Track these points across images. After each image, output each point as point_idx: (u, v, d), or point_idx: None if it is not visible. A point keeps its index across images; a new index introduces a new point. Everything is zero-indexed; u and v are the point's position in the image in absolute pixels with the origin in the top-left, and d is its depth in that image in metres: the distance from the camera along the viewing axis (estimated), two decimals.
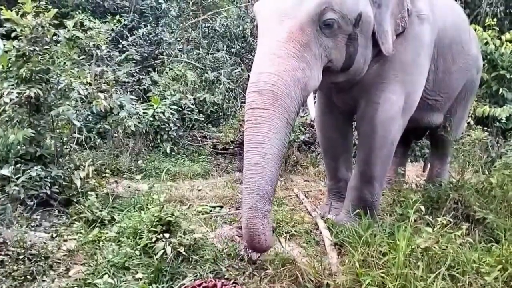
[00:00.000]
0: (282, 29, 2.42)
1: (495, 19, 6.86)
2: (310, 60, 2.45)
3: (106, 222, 3.24)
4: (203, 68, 7.30)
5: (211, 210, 3.73)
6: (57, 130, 3.70)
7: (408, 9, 2.87)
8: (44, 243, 2.74)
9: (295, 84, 2.39)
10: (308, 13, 2.42)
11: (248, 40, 7.80)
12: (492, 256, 2.50)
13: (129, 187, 4.36)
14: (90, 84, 3.94)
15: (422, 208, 2.75)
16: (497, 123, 5.82)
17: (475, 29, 5.95)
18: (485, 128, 4.75)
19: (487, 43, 6.20)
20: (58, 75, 3.61)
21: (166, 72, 6.85)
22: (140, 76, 7.01)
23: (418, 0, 3.01)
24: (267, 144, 2.32)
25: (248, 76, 7.30)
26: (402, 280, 2.23)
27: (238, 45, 7.92)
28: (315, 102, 3.52)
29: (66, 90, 3.68)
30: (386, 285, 2.25)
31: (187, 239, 2.68)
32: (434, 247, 2.36)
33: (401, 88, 2.98)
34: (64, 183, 3.49)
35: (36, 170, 3.25)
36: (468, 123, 5.41)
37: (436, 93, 3.56)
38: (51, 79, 3.51)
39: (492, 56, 6.21)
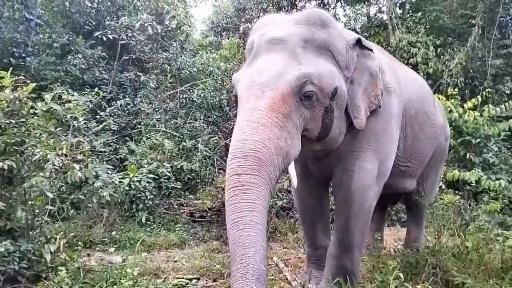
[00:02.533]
0: (264, 99, 2.45)
1: (456, 89, 7.32)
2: (291, 129, 2.49)
3: None
4: (181, 136, 7.40)
5: (187, 283, 3.60)
6: (29, 202, 3.61)
7: (381, 89, 3.02)
8: None
9: (278, 153, 2.38)
10: (290, 85, 2.49)
11: (225, 109, 8.03)
12: None
13: (101, 260, 4.20)
14: (66, 155, 3.90)
15: (401, 275, 2.74)
16: (467, 186, 5.99)
17: (439, 98, 6.32)
18: (457, 192, 4.89)
19: (451, 111, 6.57)
20: (33, 147, 3.59)
21: (144, 141, 6.90)
22: (117, 146, 7.03)
23: (385, 75, 3.20)
24: (257, 212, 2.18)
25: (225, 143, 7.44)
26: None
27: (215, 114, 8.13)
28: None
29: (41, 161, 3.65)
30: None
31: None
32: None
33: (374, 155, 3.08)
34: (33, 257, 3.34)
35: (5, 244, 3.12)
36: (440, 187, 5.56)
37: (407, 160, 3.70)
38: (26, 151, 3.49)
39: (457, 123, 6.55)
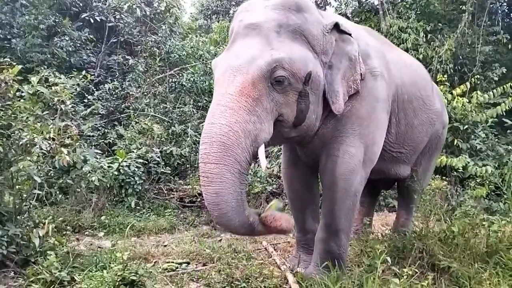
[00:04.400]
0: (235, 84, 2.51)
1: (445, 75, 7.36)
2: (261, 113, 2.54)
3: (66, 283, 3.06)
4: (170, 121, 7.35)
5: (177, 267, 3.61)
6: (17, 187, 3.57)
7: (361, 74, 3.02)
8: None
9: (246, 136, 2.45)
10: (260, 70, 2.53)
11: None
12: None
13: (91, 244, 4.20)
14: (53, 139, 3.85)
15: (389, 259, 2.78)
16: (455, 172, 6.07)
17: None
18: (444, 178, 4.96)
19: None
20: (20, 131, 3.53)
21: (132, 126, 6.84)
22: (106, 130, 6.96)
23: (371, 59, 3.19)
24: (223, 204, 2.37)
25: None
26: None
27: (205, 99, 8.08)
28: (280, 154, 3.60)
29: (28, 145, 3.60)
30: None
31: None
32: None
33: (359, 141, 3.08)
34: (21, 242, 3.32)
35: None
36: None
37: (400, 146, 3.70)
38: (13, 134, 3.43)
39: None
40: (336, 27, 2.94)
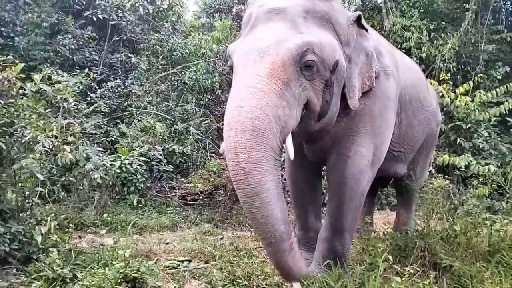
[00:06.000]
0: (263, 65, 2.36)
1: (448, 74, 7.33)
2: (290, 99, 2.41)
3: (68, 280, 3.06)
4: (172, 119, 7.36)
5: (179, 265, 3.62)
6: (19, 184, 3.58)
7: (376, 71, 3.00)
8: None
9: (276, 121, 2.32)
10: (291, 52, 2.41)
11: (217, 92, 7.98)
12: None
13: (93, 242, 4.21)
14: (56, 137, 3.87)
15: (390, 257, 2.78)
16: (457, 171, 6.06)
17: (431, 84, 6.33)
18: (446, 176, 4.94)
19: (442, 96, 6.59)
20: (23, 128, 3.54)
21: (135, 124, 6.86)
22: (108, 128, 6.98)
23: (384, 57, 3.18)
24: (264, 192, 2.25)
25: (218, 127, 7.38)
26: None
27: (207, 97, 8.07)
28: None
29: (31, 143, 3.61)
30: None
31: None
32: None
33: (370, 140, 3.07)
34: (24, 239, 3.33)
35: None
36: (430, 171, 5.61)
37: (400, 145, 3.72)
38: (15, 132, 3.44)
39: (448, 108, 6.59)
40: (358, 20, 2.90)
